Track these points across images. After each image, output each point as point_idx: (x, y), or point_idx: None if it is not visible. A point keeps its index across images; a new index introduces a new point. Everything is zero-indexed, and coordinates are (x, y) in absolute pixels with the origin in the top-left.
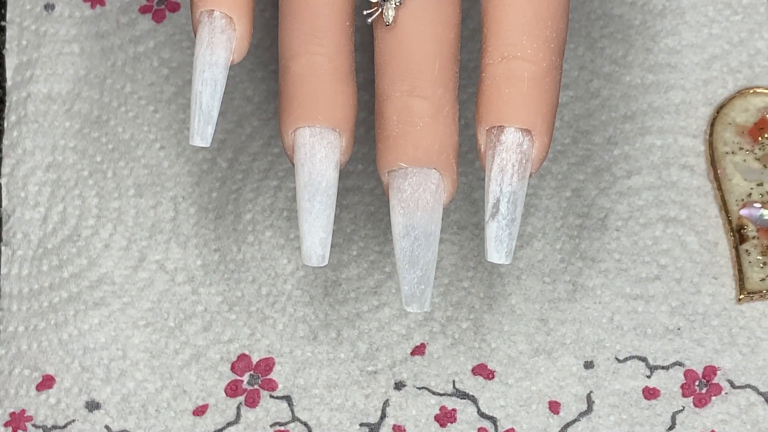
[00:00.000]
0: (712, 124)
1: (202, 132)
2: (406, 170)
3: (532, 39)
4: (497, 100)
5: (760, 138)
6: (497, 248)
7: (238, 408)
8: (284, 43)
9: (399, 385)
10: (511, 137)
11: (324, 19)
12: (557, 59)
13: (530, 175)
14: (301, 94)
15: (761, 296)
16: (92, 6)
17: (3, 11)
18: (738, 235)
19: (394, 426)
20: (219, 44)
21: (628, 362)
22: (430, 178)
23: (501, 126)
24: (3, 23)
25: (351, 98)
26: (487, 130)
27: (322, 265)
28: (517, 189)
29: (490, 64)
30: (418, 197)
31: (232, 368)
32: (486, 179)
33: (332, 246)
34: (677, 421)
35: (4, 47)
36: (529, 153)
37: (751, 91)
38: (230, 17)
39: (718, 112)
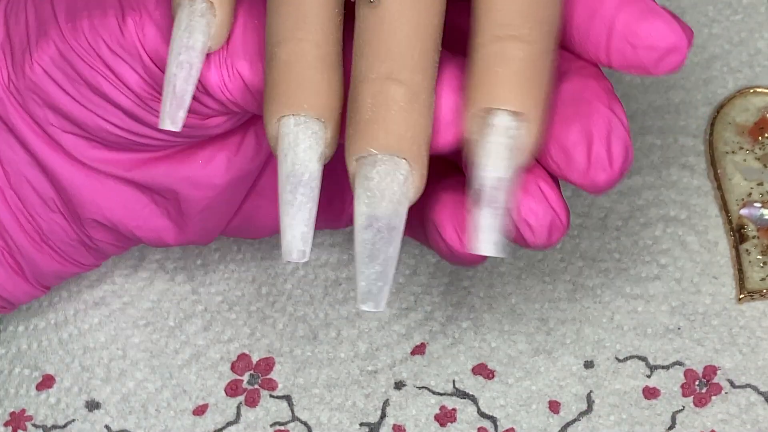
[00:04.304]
0: (713, 123)
1: (173, 116)
2: (375, 158)
3: (525, 19)
4: (488, 81)
5: (760, 137)
6: (482, 238)
7: (238, 407)
8: (271, 30)
9: (399, 385)
10: (501, 120)
11: (312, 5)
12: (550, 44)
13: (520, 165)
14: (287, 82)
15: (761, 296)
16: None
17: None
18: (738, 234)
19: (394, 426)
20: (197, 28)
21: (628, 362)
22: (399, 169)
23: (490, 108)
24: None
25: (337, 87)
26: (475, 113)
27: (303, 261)
28: (504, 175)
29: (481, 45)
30: (385, 187)
31: (232, 368)
32: (472, 164)
33: (332, 246)
34: (677, 421)
35: None
36: (519, 139)
37: (752, 91)
38: (211, 2)
39: (718, 112)
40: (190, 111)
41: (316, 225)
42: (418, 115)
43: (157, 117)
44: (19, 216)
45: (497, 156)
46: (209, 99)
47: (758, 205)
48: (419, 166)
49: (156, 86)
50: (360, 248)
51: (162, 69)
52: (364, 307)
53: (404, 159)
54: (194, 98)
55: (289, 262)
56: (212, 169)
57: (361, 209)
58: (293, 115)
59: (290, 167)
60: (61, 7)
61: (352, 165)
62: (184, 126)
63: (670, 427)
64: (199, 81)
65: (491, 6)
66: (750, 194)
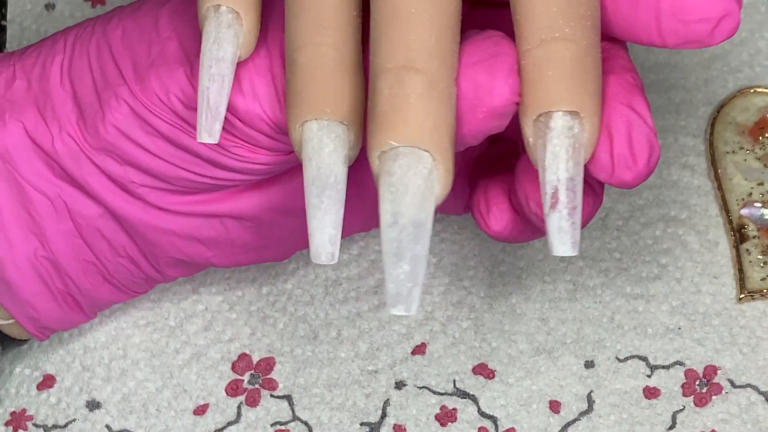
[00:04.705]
0: (713, 123)
1: (210, 128)
2: (397, 150)
3: (568, 18)
4: (541, 85)
5: (760, 137)
6: (562, 240)
7: (239, 407)
8: (290, 35)
9: (399, 385)
10: (560, 122)
11: (330, 9)
12: (595, 37)
13: (584, 161)
14: (308, 86)
15: (762, 295)
16: (93, 5)
17: (4, 11)
18: (738, 234)
19: (395, 425)
20: (226, 39)
21: (629, 362)
22: (422, 161)
23: (549, 112)
24: (4, 23)
25: (359, 90)
26: (534, 120)
27: (332, 263)
28: (574, 175)
29: (528, 50)
30: (408, 181)
31: (233, 367)
32: (540, 170)
33: None
34: (678, 421)
35: (4, 47)
36: (581, 137)
37: (752, 91)
38: (237, 12)
39: (718, 112)
40: (273, 150)
41: (354, 229)
42: (437, 103)
43: (242, 162)
44: (84, 263)
45: (563, 157)
46: (283, 135)
47: (759, 204)
48: (443, 160)
49: (236, 132)
50: (386, 247)
51: (239, 118)
52: (395, 311)
53: (426, 151)
54: (269, 136)
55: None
56: (295, 193)
57: (385, 206)
58: (316, 119)
59: (315, 171)
60: (127, 65)
61: (375, 164)
62: (270, 164)
63: (671, 427)
64: (272, 122)
65: (532, 10)
66: (750, 194)
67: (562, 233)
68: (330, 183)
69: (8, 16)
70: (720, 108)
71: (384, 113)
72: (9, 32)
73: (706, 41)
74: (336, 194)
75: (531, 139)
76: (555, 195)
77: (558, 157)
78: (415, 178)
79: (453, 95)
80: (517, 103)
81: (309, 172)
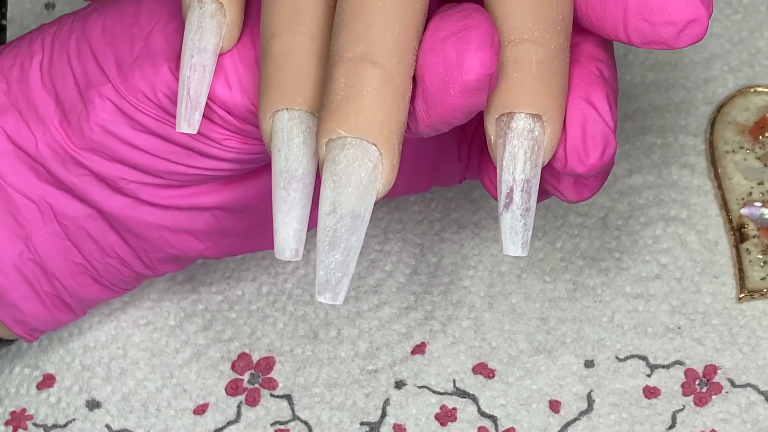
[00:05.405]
0: (713, 122)
1: (189, 118)
2: (345, 140)
3: (538, 21)
4: (506, 86)
5: (760, 137)
6: (513, 240)
7: (239, 407)
8: (266, 22)
9: (399, 384)
10: (521, 123)
11: None
12: (564, 42)
13: (543, 164)
14: (280, 75)
15: (762, 295)
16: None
17: (4, 10)
18: (738, 234)
19: (395, 425)
20: (208, 29)
21: (629, 361)
22: (369, 155)
23: (511, 113)
24: (4, 22)
25: None
26: (496, 118)
27: (296, 260)
28: (530, 177)
29: None
30: (351, 172)
31: (233, 367)
32: (498, 169)
33: None
34: (677, 420)
35: None
36: (541, 139)
37: (752, 90)
38: (221, 2)
39: (718, 111)
40: (259, 138)
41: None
42: (391, 99)
43: (235, 153)
44: (72, 265)
45: (521, 158)
46: None
47: (758, 204)
48: (390, 155)
49: (227, 125)
50: (322, 235)
51: (228, 112)
52: (321, 299)
53: (374, 145)
54: (257, 126)
55: (286, 260)
56: None
57: (326, 194)
58: (287, 109)
59: (283, 163)
60: (110, 62)
61: (321, 150)
62: (263, 153)
63: (671, 427)
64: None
65: (503, 10)
66: (750, 193)
67: (514, 233)
68: (297, 176)
69: (8, 15)
70: (720, 107)
71: (337, 101)
72: (9, 31)
73: (671, 44)
74: (303, 188)
75: (492, 137)
76: (510, 195)
77: (516, 158)
78: (359, 170)
79: (408, 92)
80: (492, 76)
81: (277, 164)
